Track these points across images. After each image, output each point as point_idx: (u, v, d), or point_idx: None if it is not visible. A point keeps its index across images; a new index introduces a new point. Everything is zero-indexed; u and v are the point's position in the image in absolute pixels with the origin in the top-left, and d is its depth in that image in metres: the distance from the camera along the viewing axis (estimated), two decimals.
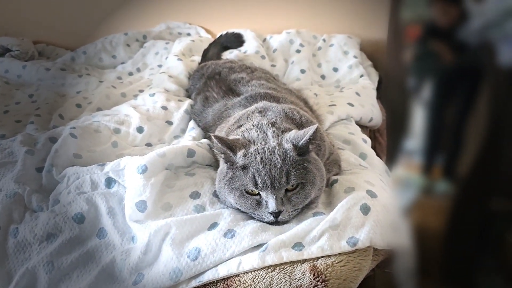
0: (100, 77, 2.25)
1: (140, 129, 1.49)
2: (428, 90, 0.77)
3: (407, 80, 0.83)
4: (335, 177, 1.19)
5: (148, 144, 1.49)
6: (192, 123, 1.53)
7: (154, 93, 1.73)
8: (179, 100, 1.71)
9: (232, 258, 0.94)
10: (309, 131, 1.03)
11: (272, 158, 1.01)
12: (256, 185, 1.00)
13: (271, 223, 1.02)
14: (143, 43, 2.52)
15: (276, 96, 1.36)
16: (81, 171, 1.17)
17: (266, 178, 0.99)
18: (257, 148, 1.03)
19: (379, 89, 2.12)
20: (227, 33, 2.08)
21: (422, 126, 0.77)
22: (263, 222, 1.02)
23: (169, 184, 1.13)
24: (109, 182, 1.14)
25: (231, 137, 1.13)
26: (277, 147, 1.02)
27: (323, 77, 2.18)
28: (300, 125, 1.18)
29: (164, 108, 1.63)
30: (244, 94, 1.44)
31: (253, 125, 1.12)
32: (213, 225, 1.01)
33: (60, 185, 1.17)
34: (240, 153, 1.03)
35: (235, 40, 2.07)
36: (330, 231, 0.96)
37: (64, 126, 1.45)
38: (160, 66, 2.28)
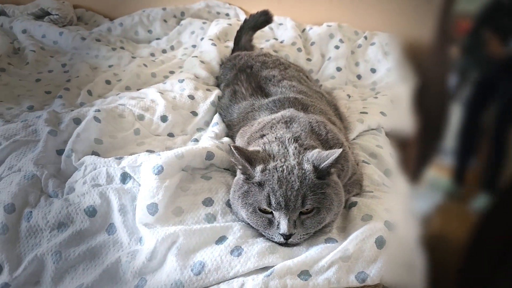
0: (133, 52, 2.24)
1: (164, 118, 1.48)
2: (470, 86, 0.72)
3: (449, 78, 0.78)
4: (354, 199, 1.14)
5: (170, 135, 1.47)
6: (216, 117, 1.50)
7: (183, 79, 1.70)
8: (207, 90, 1.68)
9: (235, 277, 0.92)
10: (332, 155, 0.98)
11: (290, 178, 0.97)
12: (269, 204, 0.97)
13: (281, 244, 0.99)
14: (180, 20, 2.48)
15: (305, 103, 1.30)
16: (98, 162, 1.16)
17: (281, 199, 0.95)
18: (276, 165, 0.99)
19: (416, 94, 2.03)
20: (252, 15, 2.00)
21: (457, 126, 0.72)
22: (273, 241, 0.99)
23: (183, 187, 1.11)
24: (125, 177, 1.13)
25: (252, 147, 1.09)
26: (297, 167, 0.98)
27: (359, 77, 2.10)
28: (325, 142, 1.13)
29: (191, 97, 1.60)
30: (273, 96, 1.40)
31: (275, 138, 1.08)
32: (221, 239, 0.99)
33: (77, 172, 1.17)
34: (258, 168, 0.99)
35: (264, 18, 1.97)
36: (340, 262, 0.93)
37: (89, 107, 1.45)
38: (194, 46, 2.25)
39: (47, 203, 1.11)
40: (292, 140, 1.06)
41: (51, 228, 1.05)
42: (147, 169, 1.09)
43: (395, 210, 1.13)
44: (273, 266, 0.92)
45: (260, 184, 0.98)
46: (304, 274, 0.91)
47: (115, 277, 0.97)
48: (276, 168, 0.98)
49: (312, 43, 2.19)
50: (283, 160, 1.01)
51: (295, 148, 1.04)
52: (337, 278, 0.90)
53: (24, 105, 1.60)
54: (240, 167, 1.03)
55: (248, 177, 1.02)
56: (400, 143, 1.99)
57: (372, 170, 1.36)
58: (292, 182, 0.96)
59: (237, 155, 1.00)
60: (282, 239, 0.98)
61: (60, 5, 2.53)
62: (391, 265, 0.95)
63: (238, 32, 1.98)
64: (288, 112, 1.21)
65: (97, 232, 1.05)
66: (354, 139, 1.56)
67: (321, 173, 0.99)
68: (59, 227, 1.05)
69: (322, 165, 0.98)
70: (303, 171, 0.98)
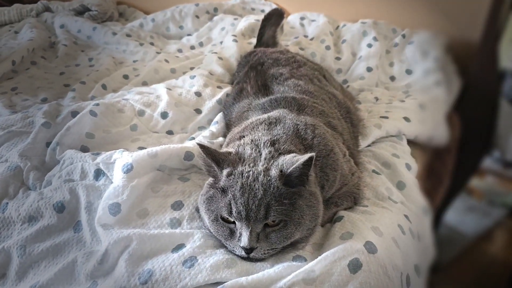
0: (162, 47, 2.23)
1: (164, 115, 1.43)
2: None
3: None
4: (342, 213, 1.02)
5: (169, 132, 1.42)
6: (218, 117, 1.43)
7: (194, 76, 1.65)
8: (218, 87, 1.62)
9: None
10: (301, 159, 0.87)
11: (254, 186, 0.87)
12: (230, 213, 0.87)
13: (243, 258, 0.89)
14: (213, 16, 2.44)
15: (302, 103, 1.19)
16: (75, 157, 1.14)
17: (241, 208, 0.86)
18: (242, 170, 0.90)
19: (459, 99, 1.82)
20: (268, 13, 1.96)
21: None
22: (234, 254, 0.90)
23: (155, 188, 1.05)
24: (98, 174, 1.09)
25: (228, 148, 1.01)
26: (263, 173, 0.88)
27: (392, 78, 1.92)
28: (310, 147, 1.02)
29: (198, 94, 1.54)
30: (275, 94, 1.30)
31: (251, 140, 0.98)
32: (179, 247, 0.91)
33: (57, 166, 1.16)
34: (225, 172, 0.91)
35: (277, 14, 1.95)
36: (302, 285, 0.81)
37: (91, 101, 1.43)
38: (222, 43, 2.19)
39: (24, 195, 1.10)
40: (269, 143, 0.96)
41: (22, 221, 1.04)
42: (118, 167, 1.04)
43: (388, 228, 1.00)
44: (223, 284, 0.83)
45: (224, 190, 0.89)
46: None
47: (70, 278, 0.92)
48: (242, 174, 0.89)
49: (344, 41, 2.05)
50: (251, 165, 0.91)
51: (269, 152, 0.94)
52: None
53: (39, 97, 1.63)
54: (207, 168, 0.95)
55: (215, 182, 0.93)
56: (431, 151, 1.80)
57: (381, 181, 1.22)
58: (256, 190, 0.86)
59: (203, 154, 0.92)
60: (243, 253, 0.88)
61: (101, 2, 2.59)
62: None
63: (260, 28, 1.90)
64: (277, 113, 1.11)
65: (64, 229, 1.02)
66: (369, 145, 1.42)
67: (289, 180, 0.88)
68: (29, 220, 1.04)
69: (289, 170, 0.87)
70: (269, 177, 0.88)
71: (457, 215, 1.45)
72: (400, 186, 1.24)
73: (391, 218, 1.03)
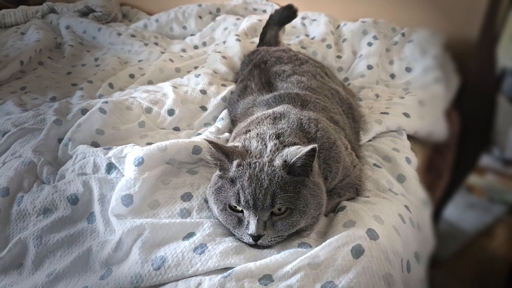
0: (166, 47, 2.28)
1: (171, 112, 1.47)
2: None
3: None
4: (345, 203, 1.06)
5: (176, 129, 1.46)
6: (224, 113, 1.47)
7: (199, 74, 1.69)
8: (222, 85, 1.66)
9: (195, 276, 0.88)
10: (304, 149, 0.91)
11: (260, 176, 0.91)
12: (239, 202, 0.92)
13: (251, 246, 0.94)
14: (215, 16, 2.48)
15: (306, 99, 1.23)
16: (88, 152, 1.18)
17: (249, 197, 0.90)
18: (250, 161, 0.94)
19: (458, 96, 1.87)
20: (276, 10, 1.95)
21: None
22: (243, 242, 0.94)
23: (165, 180, 1.09)
24: (110, 167, 1.13)
25: (235, 142, 1.05)
26: (267, 164, 0.93)
27: (392, 76, 1.97)
28: (313, 140, 1.06)
29: (203, 92, 1.58)
30: (279, 91, 1.34)
31: (257, 134, 1.02)
32: (189, 235, 0.95)
33: (70, 161, 1.20)
34: (235, 163, 0.95)
35: (287, 13, 1.92)
36: (308, 269, 0.86)
37: (100, 99, 1.48)
38: (225, 42, 2.23)
39: (38, 189, 1.14)
40: (274, 136, 1.01)
41: (37, 213, 1.08)
42: (129, 160, 1.08)
43: (388, 217, 1.04)
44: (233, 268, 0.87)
45: (232, 181, 0.94)
46: (266, 278, 0.85)
47: (85, 266, 0.97)
48: (249, 165, 0.93)
49: (344, 40, 2.09)
50: (258, 156, 0.95)
51: (275, 145, 0.98)
52: (301, 286, 0.83)
53: (48, 96, 1.68)
54: (215, 162, 0.99)
55: (223, 173, 0.97)
56: (430, 146, 1.84)
57: (382, 174, 1.27)
58: (262, 180, 0.91)
59: (213, 149, 0.96)
60: (251, 240, 0.92)
61: (105, 3, 2.64)
62: (365, 277, 0.86)
63: (263, 27, 1.94)
64: (281, 108, 1.15)
65: (78, 220, 1.06)
66: (370, 140, 1.46)
67: (293, 169, 0.92)
68: (44, 212, 1.08)
69: (293, 160, 0.91)
70: (273, 168, 0.92)
71: (458, 212, 1.48)
72: (401, 179, 1.28)
73: (392, 208, 1.07)
